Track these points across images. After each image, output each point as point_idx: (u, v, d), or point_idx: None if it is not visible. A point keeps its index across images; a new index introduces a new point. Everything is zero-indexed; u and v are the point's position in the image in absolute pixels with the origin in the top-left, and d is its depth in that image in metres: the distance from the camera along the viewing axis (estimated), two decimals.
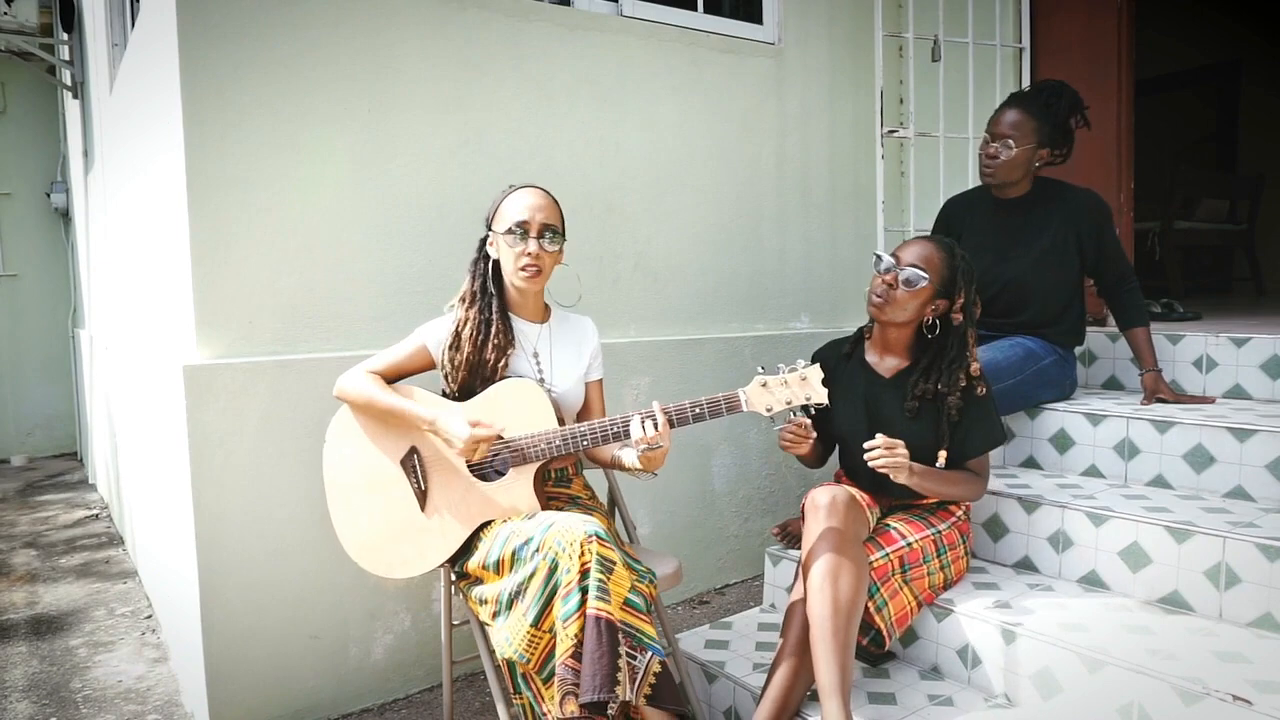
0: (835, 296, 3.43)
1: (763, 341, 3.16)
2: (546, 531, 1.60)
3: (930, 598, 1.95)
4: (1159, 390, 2.41)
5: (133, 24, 3.17)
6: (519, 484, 1.79)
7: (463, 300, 1.89)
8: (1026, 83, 3.34)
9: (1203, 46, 6.12)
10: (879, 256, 1.97)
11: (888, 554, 1.87)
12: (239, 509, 2.15)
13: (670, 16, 2.98)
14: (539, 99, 2.65)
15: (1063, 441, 2.45)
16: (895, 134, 3.23)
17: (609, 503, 2.14)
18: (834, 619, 1.68)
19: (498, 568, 1.68)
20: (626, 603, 1.55)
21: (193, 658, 2.23)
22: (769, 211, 3.23)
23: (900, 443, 1.81)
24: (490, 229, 1.90)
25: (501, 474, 1.82)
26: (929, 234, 2.14)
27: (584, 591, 1.52)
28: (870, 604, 1.82)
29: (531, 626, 1.57)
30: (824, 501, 1.83)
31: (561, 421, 1.84)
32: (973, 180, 3.06)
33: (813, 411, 1.73)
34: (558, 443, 1.78)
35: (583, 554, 1.54)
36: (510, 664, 1.65)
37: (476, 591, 1.75)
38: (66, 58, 5.22)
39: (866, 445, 1.81)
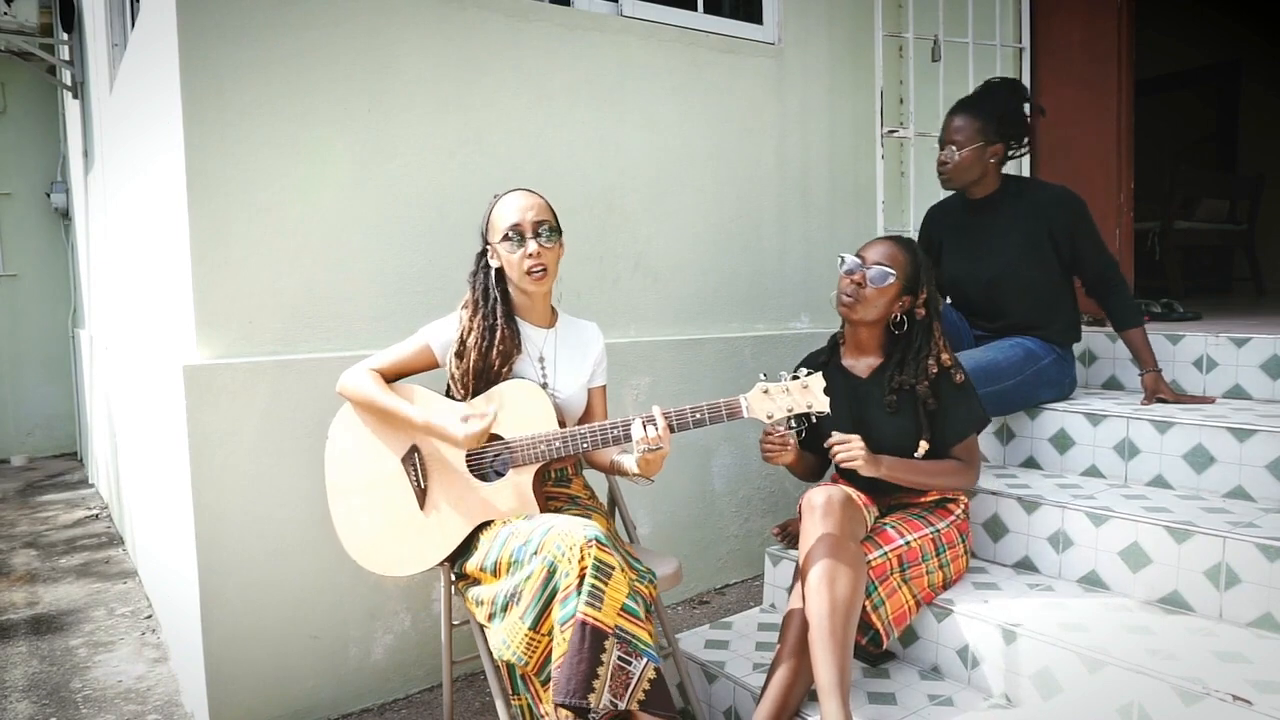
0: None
1: (763, 341, 3.16)
2: (545, 534, 1.60)
3: (929, 597, 1.95)
4: (1159, 390, 2.41)
5: (133, 24, 3.17)
6: (519, 484, 1.79)
7: (465, 307, 1.90)
8: (1027, 83, 3.34)
9: (1203, 46, 6.12)
10: (843, 258, 2.04)
11: (886, 553, 1.87)
12: (239, 509, 2.15)
13: (670, 16, 2.98)
14: (539, 99, 2.65)
15: (1063, 441, 2.45)
16: (895, 134, 3.23)
17: (609, 503, 2.14)
18: (831, 619, 1.68)
19: (495, 570, 1.68)
20: (623, 609, 1.54)
21: (193, 658, 2.23)
22: (769, 211, 3.23)
23: (855, 436, 1.85)
24: (486, 241, 1.90)
25: (501, 474, 1.82)
26: (889, 235, 2.22)
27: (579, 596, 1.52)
28: (868, 602, 1.82)
29: (530, 629, 1.56)
30: (820, 502, 1.84)
31: (563, 425, 1.84)
32: None
33: (813, 419, 1.73)
34: (558, 444, 1.78)
35: (581, 558, 1.54)
36: (509, 665, 1.65)
37: (474, 593, 1.76)
38: (66, 58, 5.21)
39: (826, 444, 1.86)
